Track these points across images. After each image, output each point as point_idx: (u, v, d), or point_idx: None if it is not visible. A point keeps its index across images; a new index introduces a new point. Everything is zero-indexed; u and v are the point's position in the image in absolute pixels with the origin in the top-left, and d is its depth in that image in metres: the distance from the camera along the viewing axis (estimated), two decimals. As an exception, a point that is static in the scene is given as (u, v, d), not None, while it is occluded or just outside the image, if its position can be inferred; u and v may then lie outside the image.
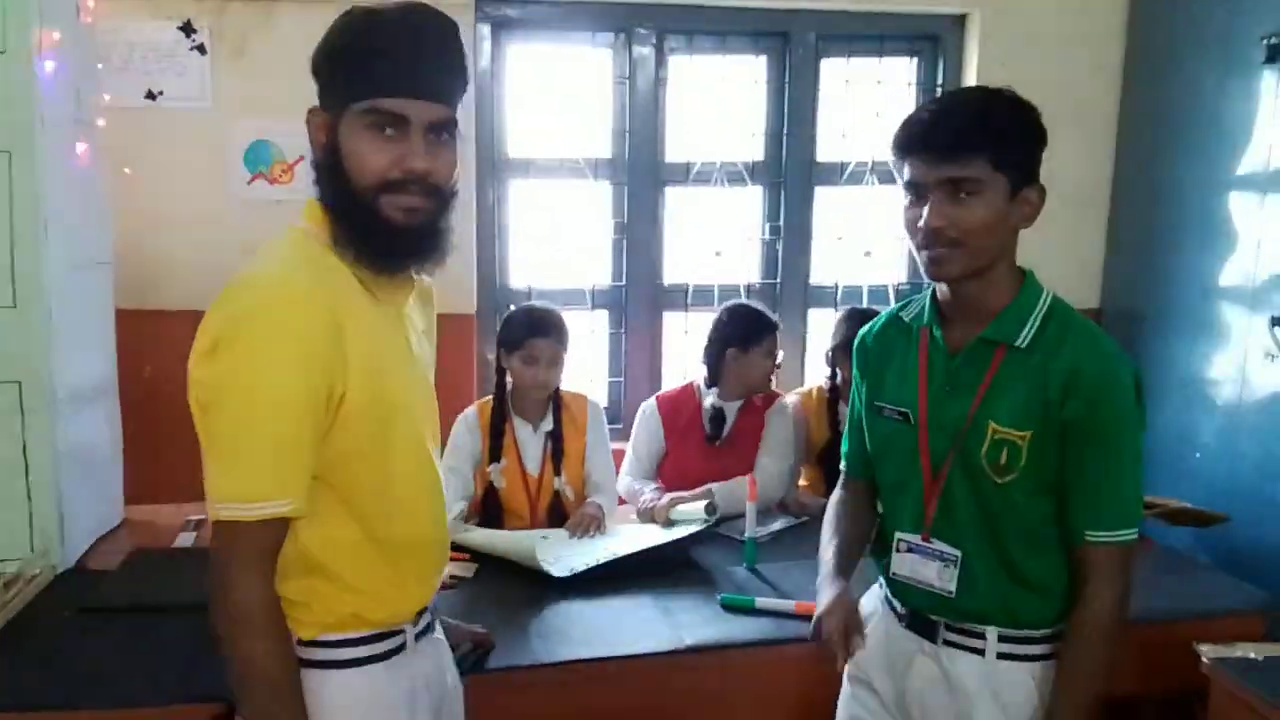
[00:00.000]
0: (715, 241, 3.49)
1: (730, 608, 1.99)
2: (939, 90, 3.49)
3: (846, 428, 1.67)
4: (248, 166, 3.08)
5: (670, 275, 3.49)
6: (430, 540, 1.39)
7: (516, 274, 3.41)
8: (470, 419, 2.64)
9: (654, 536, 2.31)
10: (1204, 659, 1.81)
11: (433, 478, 1.39)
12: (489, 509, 2.61)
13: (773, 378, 2.77)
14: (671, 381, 3.42)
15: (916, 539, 1.47)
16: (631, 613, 1.98)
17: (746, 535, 2.22)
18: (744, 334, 2.70)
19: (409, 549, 1.33)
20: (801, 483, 2.86)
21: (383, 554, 1.28)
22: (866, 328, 1.62)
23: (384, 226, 1.25)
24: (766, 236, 3.51)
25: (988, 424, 1.38)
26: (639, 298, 3.45)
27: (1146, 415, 1.40)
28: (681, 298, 3.48)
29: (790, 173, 3.46)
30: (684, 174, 3.43)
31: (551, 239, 3.43)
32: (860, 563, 1.59)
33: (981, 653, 1.43)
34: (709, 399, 2.73)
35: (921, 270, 1.40)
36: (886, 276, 3.58)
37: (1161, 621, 2.00)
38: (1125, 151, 3.43)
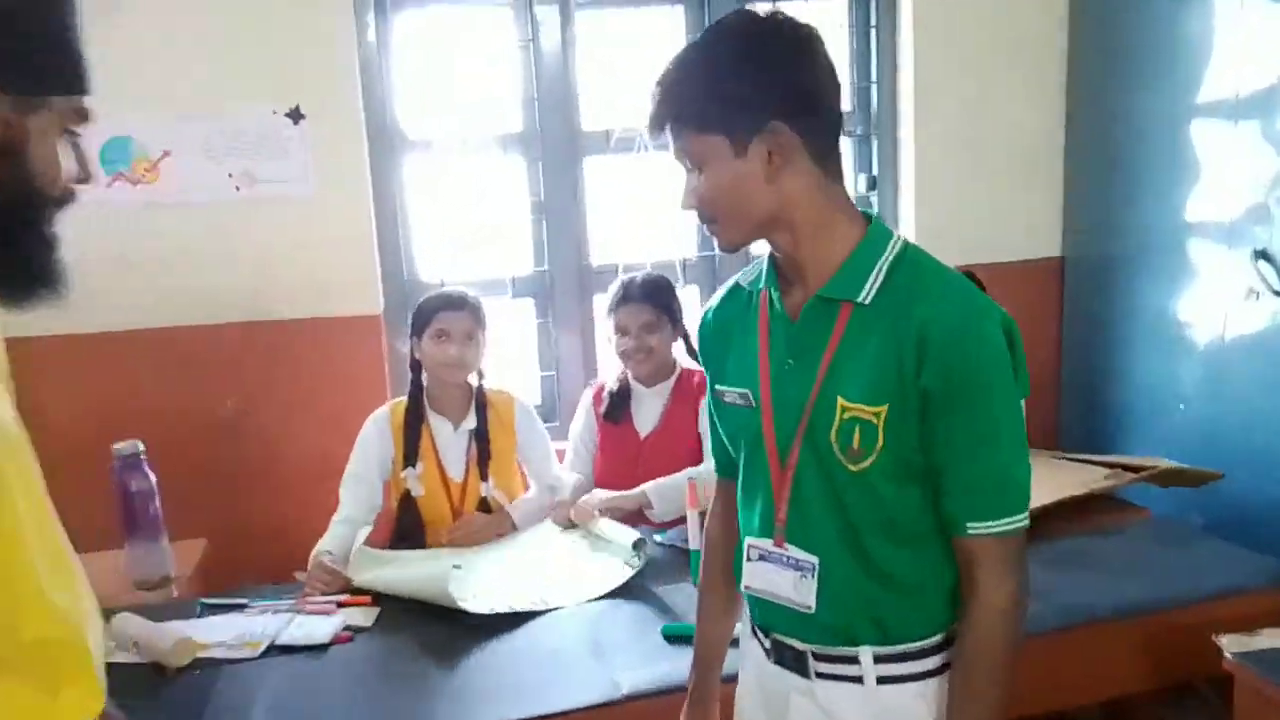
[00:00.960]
0: (645, 215, 3.18)
1: (674, 639, 1.70)
2: (872, 33, 3.21)
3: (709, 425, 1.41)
4: (105, 167, 2.72)
5: (598, 256, 3.17)
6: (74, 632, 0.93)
7: (426, 266, 3.08)
8: (380, 420, 2.36)
9: (579, 582, 2.00)
10: (1226, 654, 1.56)
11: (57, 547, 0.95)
12: (405, 521, 2.34)
13: None
14: (610, 372, 3.13)
15: (768, 545, 1.23)
16: (558, 655, 1.68)
17: (691, 548, 1.92)
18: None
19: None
20: None
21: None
22: (709, 304, 1.39)
23: None
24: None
25: (835, 399, 1.14)
26: (565, 283, 3.13)
27: (1027, 376, 1.14)
28: (612, 279, 3.16)
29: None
30: (604, 142, 3.11)
31: (462, 224, 3.09)
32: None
33: (860, 680, 1.19)
34: (614, 377, 2.50)
35: None
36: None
37: (1169, 609, 1.75)
38: (1077, 88, 3.16)
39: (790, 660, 1.24)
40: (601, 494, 2.29)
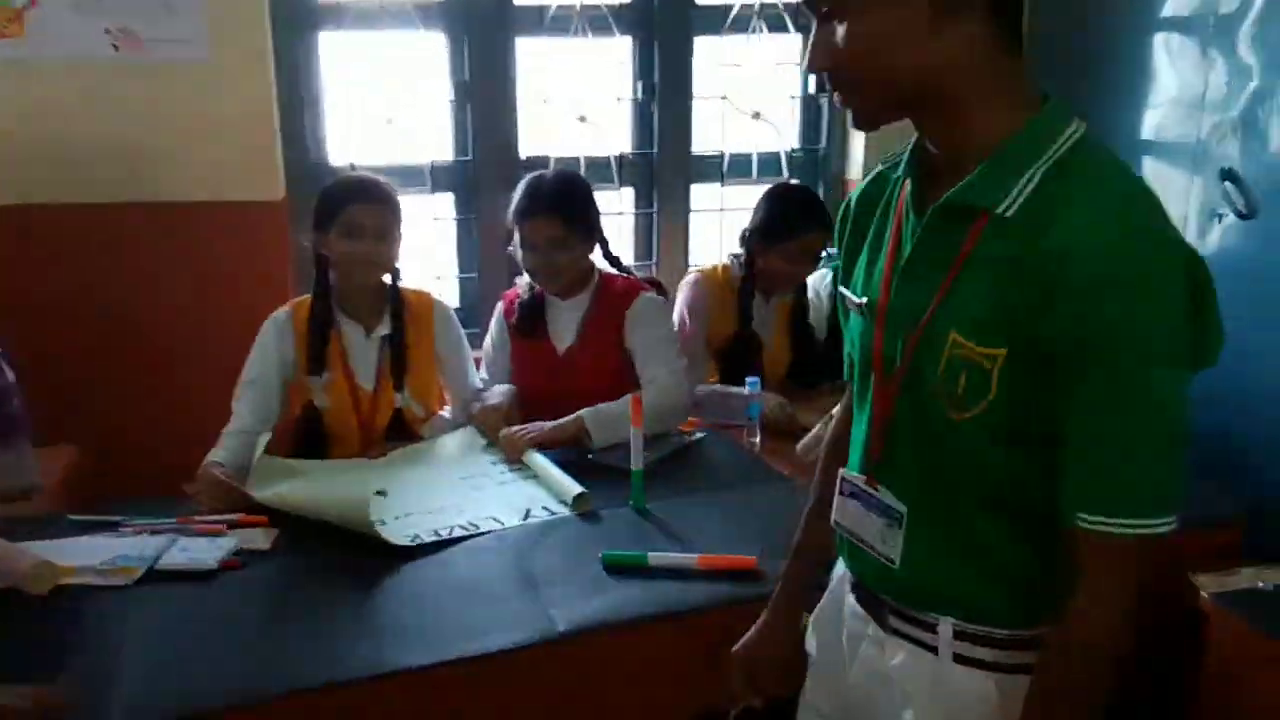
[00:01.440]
0: (579, 104, 2.92)
1: (615, 568, 1.53)
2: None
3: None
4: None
5: (528, 146, 2.90)
6: None
7: (336, 150, 2.77)
8: (281, 321, 2.09)
9: (508, 506, 1.80)
10: (1203, 594, 1.46)
11: None
12: (308, 434, 2.10)
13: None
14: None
15: (860, 481, 1.07)
16: (485, 588, 1.49)
17: (633, 468, 1.75)
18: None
19: None
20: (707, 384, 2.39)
21: None
22: (856, 189, 1.15)
23: None
24: (639, 97, 2.96)
25: (948, 331, 0.93)
26: (490, 175, 2.86)
27: (1220, 338, 0.90)
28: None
29: (664, 19, 2.89)
30: (537, 20, 2.82)
31: (377, 105, 2.78)
32: None
33: (934, 650, 1.02)
34: (525, 285, 2.25)
35: None
36: (778, 142, 3.10)
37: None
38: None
39: (870, 605, 1.09)
40: (528, 429, 2.05)
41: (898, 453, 1.02)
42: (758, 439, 2.10)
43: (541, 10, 2.81)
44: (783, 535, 1.27)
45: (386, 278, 2.11)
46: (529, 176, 2.18)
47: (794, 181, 3.00)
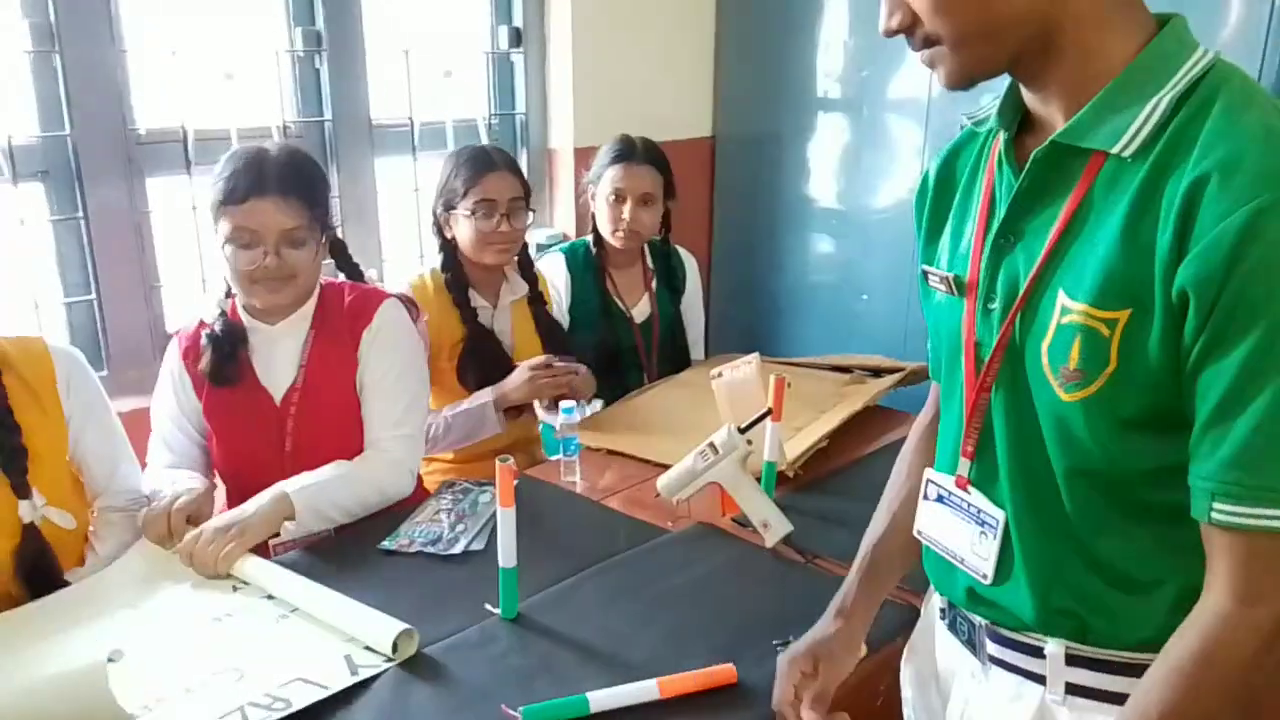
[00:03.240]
0: (224, 62, 2.17)
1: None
2: None
3: None
4: None
5: (148, 118, 2.11)
6: None
7: None
8: None
9: (311, 659, 1.18)
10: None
11: None
12: None
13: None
14: (179, 297, 2.16)
15: (949, 483, 0.94)
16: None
17: (502, 565, 1.23)
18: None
19: None
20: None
21: None
22: (935, 158, 1.00)
23: None
24: (300, 50, 2.29)
25: (1056, 298, 0.80)
26: (100, 157, 2.03)
27: None
28: (175, 154, 2.14)
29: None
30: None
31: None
32: None
33: (1042, 679, 0.88)
34: (212, 310, 1.62)
35: None
36: (475, 107, 2.61)
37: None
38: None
39: (963, 630, 0.96)
40: (226, 521, 1.42)
41: (993, 449, 0.88)
42: (577, 477, 1.68)
43: (153, -73, 2.03)
44: (736, 616, 1.07)
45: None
46: (237, 149, 1.55)
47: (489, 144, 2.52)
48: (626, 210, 2.15)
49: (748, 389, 1.72)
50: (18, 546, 1.35)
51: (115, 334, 2.08)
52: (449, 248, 1.99)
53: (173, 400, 1.62)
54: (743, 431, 1.46)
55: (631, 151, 2.17)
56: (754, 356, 1.80)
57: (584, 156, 2.55)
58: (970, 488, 0.91)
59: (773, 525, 1.43)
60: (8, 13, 1.90)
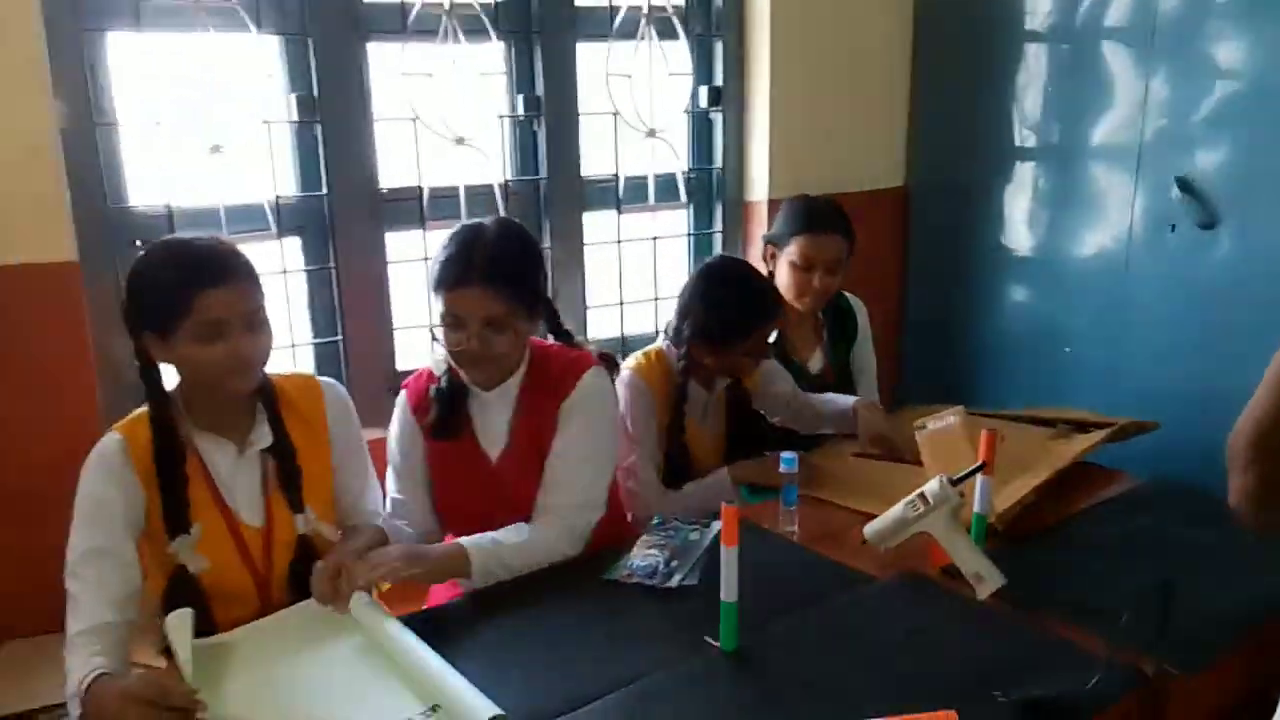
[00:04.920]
0: (455, 127, 2.39)
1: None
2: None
3: None
4: None
5: (390, 178, 2.34)
6: None
7: (140, 188, 2.08)
8: (112, 459, 1.45)
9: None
10: None
11: None
12: (184, 604, 1.44)
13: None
14: (409, 343, 2.36)
15: None
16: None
17: (724, 599, 1.30)
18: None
19: None
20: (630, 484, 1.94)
21: None
22: None
23: None
24: (520, 115, 2.48)
25: None
26: (349, 215, 2.27)
27: None
28: (412, 210, 2.36)
29: (545, 21, 2.45)
30: (396, 21, 2.28)
31: (197, 127, 2.10)
32: None
33: None
34: (438, 367, 1.71)
35: None
36: (674, 163, 2.74)
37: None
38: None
39: None
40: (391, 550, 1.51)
41: None
42: (795, 527, 1.72)
43: (402, 7, 2.26)
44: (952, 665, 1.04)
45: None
46: (458, 230, 1.63)
47: (723, 256, 2.55)
48: (816, 279, 2.18)
49: (953, 441, 1.73)
50: (294, 557, 1.52)
51: (356, 371, 2.30)
52: (689, 361, 1.97)
53: (404, 444, 1.74)
54: (955, 484, 1.47)
55: (819, 221, 2.18)
56: (959, 409, 1.81)
57: (776, 208, 2.64)
58: None
59: (986, 578, 1.43)
60: (279, 84, 2.17)
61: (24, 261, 1.83)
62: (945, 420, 1.76)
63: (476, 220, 1.65)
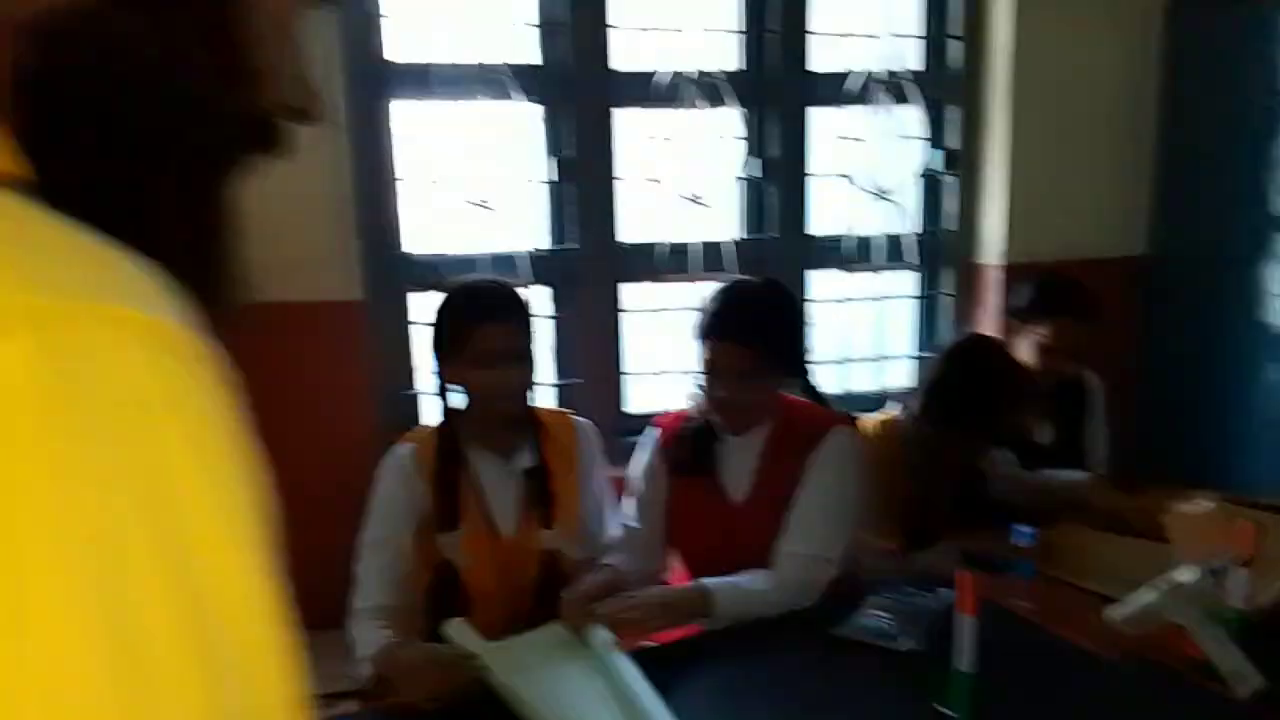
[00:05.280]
0: (686, 182, 2.52)
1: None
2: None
3: None
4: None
5: (629, 234, 2.49)
6: None
7: (410, 236, 2.32)
8: (404, 462, 1.66)
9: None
10: None
11: None
12: (442, 597, 1.63)
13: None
14: (639, 385, 2.48)
15: None
16: None
17: (958, 668, 1.31)
18: None
19: None
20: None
21: None
22: None
23: None
24: (755, 175, 2.58)
25: None
26: (592, 266, 2.44)
27: None
28: (648, 264, 2.50)
29: (777, 87, 2.54)
30: (642, 88, 2.43)
31: (462, 183, 2.33)
32: None
33: None
34: (691, 407, 1.78)
35: None
36: (899, 223, 2.75)
37: None
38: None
39: None
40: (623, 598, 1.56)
41: None
42: (1031, 603, 1.69)
43: (650, 76, 2.42)
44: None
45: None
46: (726, 285, 1.73)
47: (977, 336, 2.26)
48: (1057, 360, 2.15)
49: (1206, 527, 1.65)
50: (540, 570, 1.66)
51: (593, 411, 2.44)
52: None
53: (649, 476, 1.82)
54: (1214, 574, 1.41)
55: (1070, 307, 2.14)
56: (1211, 495, 1.72)
57: (1011, 272, 2.60)
58: None
59: (1245, 676, 1.36)
60: (535, 145, 2.36)
61: (323, 300, 2.09)
62: (1198, 504, 1.68)
63: (745, 278, 1.77)
